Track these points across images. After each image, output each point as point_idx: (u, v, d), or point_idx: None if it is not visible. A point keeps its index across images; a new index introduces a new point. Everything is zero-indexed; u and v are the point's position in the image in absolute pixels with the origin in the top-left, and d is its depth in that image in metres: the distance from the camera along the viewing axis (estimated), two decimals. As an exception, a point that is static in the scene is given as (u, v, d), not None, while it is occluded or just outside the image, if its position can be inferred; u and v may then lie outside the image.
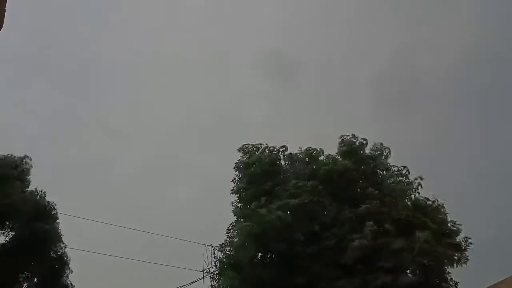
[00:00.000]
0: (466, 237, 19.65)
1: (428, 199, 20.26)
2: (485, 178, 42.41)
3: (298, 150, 22.07)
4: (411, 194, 20.61)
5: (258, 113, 52.37)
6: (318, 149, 21.83)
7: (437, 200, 20.20)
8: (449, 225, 19.93)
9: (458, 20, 52.83)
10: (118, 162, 51.57)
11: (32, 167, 23.85)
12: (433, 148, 45.05)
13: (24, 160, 23.75)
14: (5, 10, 12.83)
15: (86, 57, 54.83)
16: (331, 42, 57.21)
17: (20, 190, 23.00)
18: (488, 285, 21.13)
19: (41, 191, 23.90)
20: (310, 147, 21.91)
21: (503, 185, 38.35)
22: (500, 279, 20.42)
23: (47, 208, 23.77)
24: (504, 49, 49.36)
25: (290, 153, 22.03)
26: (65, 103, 53.20)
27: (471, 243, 19.64)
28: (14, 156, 23.70)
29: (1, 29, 12.97)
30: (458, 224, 19.87)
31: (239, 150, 21.95)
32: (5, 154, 23.58)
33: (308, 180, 20.35)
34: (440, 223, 19.66)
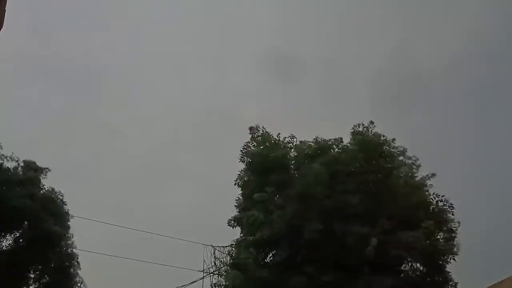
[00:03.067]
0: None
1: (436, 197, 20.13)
2: (485, 178, 42.44)
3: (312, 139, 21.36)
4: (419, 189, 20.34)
5: (257, 112, 52.32)
6: (331, 141, 21.12)
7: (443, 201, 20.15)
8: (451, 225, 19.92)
9: (458, 18, 52.88)
10: (117, 162, 51.62)
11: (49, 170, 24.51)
12: (432, 146, 45.05)
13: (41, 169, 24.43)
14: (5, 10, 12.82)
15: (86, 57, 54.90)
16: (331, 40, 57.26)
17: (31, 192, 23.45)
18: (488, 285, 21.13)
19: (58, 191, 24.51)
20: (320, 138, 21.21)
21: (504, 184, 38.37)
22: (500, 279, 20.43)
23: (59, 208, 24.28)
24: (504, 47, 49.43)
25: (300, 142, 21.44)
26: (65, 103, 53.24)
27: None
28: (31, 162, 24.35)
29: (1, 29, 12.97)
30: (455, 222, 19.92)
31: (250, 130, 21.41)
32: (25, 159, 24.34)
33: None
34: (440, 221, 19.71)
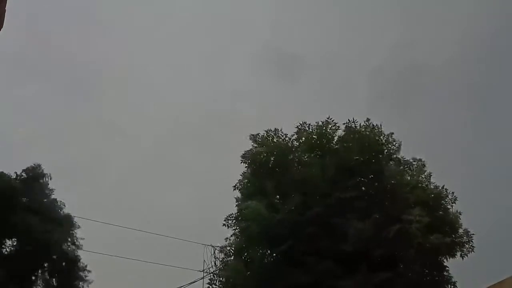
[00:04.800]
0: (466, 229, 19.79)
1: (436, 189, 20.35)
2: (485, 177, 42.44)
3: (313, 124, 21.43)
4: (418, 185, 20.54)
5: (257, 110, 52.51)
6: (331, 125, 21.25)
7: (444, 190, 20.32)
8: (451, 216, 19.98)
9: (457, 15, 52.85)
10: (117, 161, 51.67)
11: (51, 178, 25.23)
12: (431, 144, 45.03)
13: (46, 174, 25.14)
14: (5, 10, 12.79)
15: (86, 57, 54.97)
16: (330, 38, 57.30)
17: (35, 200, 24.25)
18: (488, 285, 21.11)
19: (61, 201, 25.36)
20: (322, 122, 21.36)
21: (504, 184, 38.36)
22: (500, 279, 20.41)
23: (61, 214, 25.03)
24: (503, 45, 49.45)
25: (300, 129, 21.46)
26: (65, 103, 53.29)
27: (473, 234, 19.74)
28: (36, 166, 25.01)
29: (1, 29, 12.95)
30: (458, 214, 20.01)
31: (251, 138, 21.40)
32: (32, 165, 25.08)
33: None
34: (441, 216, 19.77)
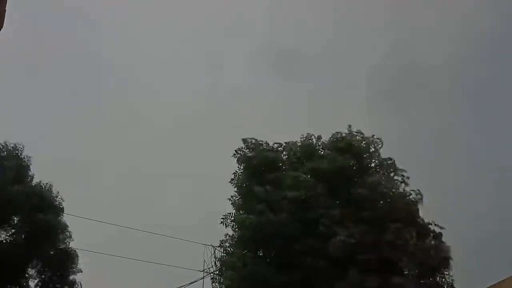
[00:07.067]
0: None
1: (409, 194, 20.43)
2: (484, 177, 42.41)
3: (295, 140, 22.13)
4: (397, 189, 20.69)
5: (256, 109, 52.45)
6: (315, 138, 22.00)
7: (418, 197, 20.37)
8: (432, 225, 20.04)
9: (457, 14, 52.82)
10: (117, 161, 51.58)
11: (30, 157, 23.97)
12: (430, 143, 45.03)
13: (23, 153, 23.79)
14: (5, 10, 12.79)
15: (85, 57, 54.90)
16: (329, 36, 57.15)
17: (21, 182, 23.00)
18: (488, 285, 21.16)
19: (46, 184, 24.17)
20: (306, 134, 22.05)
21: (503, 184, 38.35)
22: (500, 279, 20.46)
23: (52, 200, 23.92)
24: (503, 44, 49.49)
25: (288, 144, 22.06)
26: (64, 103, 53.20)
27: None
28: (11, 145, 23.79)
29: (1, 29, 12.96)
30: (438, 226, 19.99)
31: (243, 141, 21.81)
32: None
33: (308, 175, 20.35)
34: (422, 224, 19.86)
